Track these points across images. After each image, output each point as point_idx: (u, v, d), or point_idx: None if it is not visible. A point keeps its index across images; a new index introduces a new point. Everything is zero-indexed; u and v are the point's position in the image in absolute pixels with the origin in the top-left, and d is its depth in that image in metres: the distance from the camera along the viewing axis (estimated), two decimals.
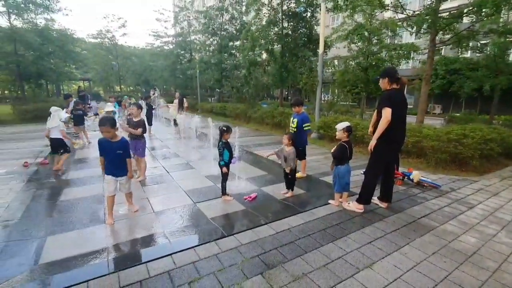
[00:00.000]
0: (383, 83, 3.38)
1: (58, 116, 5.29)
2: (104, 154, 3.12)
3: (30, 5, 15.39)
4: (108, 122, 3.02)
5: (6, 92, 28.77)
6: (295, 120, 4.72)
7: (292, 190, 4.10)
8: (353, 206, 3.54)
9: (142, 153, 4.69)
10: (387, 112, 3.17)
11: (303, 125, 4.68)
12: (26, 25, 15.98)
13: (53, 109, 5.39)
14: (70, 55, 19.57)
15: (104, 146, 3.09)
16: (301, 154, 4.79)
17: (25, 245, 2.73)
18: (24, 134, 9.80)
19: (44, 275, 2.28)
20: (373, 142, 3.33)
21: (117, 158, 3.12)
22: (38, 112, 12.91)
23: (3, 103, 24.89)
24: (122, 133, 3.93)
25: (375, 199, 3.74)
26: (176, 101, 10.64)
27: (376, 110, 3.50)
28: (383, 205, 3.69)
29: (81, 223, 3.19)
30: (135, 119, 4.56)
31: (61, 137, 5.26)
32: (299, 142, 4.67)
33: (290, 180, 4.05)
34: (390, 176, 3.68)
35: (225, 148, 3.72)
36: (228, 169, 3.79)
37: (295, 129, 4.70)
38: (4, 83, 21.11)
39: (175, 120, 10.73)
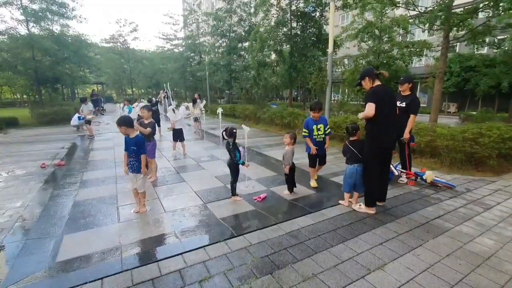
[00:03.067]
0: (366, 84, 3.33)
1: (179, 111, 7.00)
2: (127, 149, 3.39)
3: (47, 13, 16.00)
4: (120, 120, 3.32)
5: (24, 96, 29.97)
6: (321, 126, 4.27)
7: (290, 191, 4.12)
8: (364, 208, 3.49)
9: (152, 154, 4.78)
10: (370, 107, 3.09)
11: (326, 129, 4.36)
12: (43, 32, 16.60)
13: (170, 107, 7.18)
14: (84, 59, 20.17)
15: (126, 142, 3.40)
16: (323, 159, 4.54)
17: (43, 243, 2.84)
18: (41, 136, 10.18)
19: (61, 272, 2.36)
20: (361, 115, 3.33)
21: (132, 153, 3.36)
22: (55, 115, 13.40)
23: (22, 107, 25.96)
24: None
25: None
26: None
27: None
28: (380, 203, 3.65)
29: (95, 222, 3.29)
30: (146, 121, 4.66)
31: (182, 127, 6.82)
32: (323, 148, 4.39)
33: (286, 180, 4.12)
34: (384, 176, 3.59)
35: (236, 148, 3.79)
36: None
37: (324, 136, 4.33)
38: (23, 88, 21.98)
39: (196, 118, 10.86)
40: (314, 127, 4.28)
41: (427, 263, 2.44)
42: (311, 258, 2.51)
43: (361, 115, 3.35)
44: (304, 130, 4.34)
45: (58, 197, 4.14)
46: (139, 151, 3.37)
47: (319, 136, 4.31)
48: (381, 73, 3.31)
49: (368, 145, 3.34)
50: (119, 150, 7.32)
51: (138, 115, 7.97)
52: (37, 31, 16.41)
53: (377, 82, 3.28)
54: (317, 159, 4.44)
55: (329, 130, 4.38)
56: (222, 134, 3.88)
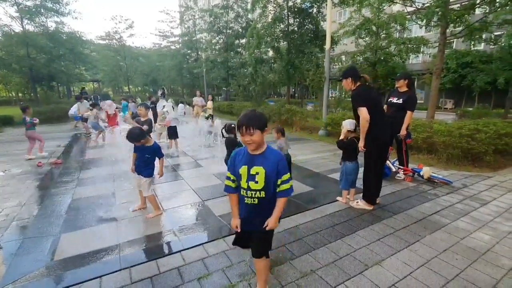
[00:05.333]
0: (347, 84, 3.28)
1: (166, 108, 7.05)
2: (137, 153, 3.34)
3: (41, 9, 15.79)
4: (129, 138, 3.18)
5: (20, 94, 29.67)
6: (260, 171, 1.76)
7: None
8: (362, 204, 3.50)
9: None
10: (363, 112, 3.08)
11: (279, 180, 1.78)
12: (37, 29, 16.40)
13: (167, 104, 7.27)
14: (79, 57, 20.01)
15: (138, 148, 3.30)
16: (259, 249, 1.92)
17: (41, 242, 2.82)
18: None
19: (59, 270, 2.35)
20: (361, 143, 3.25)
21: (144, 160, 3.29)
22: (51, 114, 13.27)
23: (17, 105, 25.67)
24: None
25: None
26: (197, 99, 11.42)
27: (352, 110, 3.38)
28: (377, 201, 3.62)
29: (93, 221, 3.27)
30: (142, 119, 4.64)
31: (176, 125, 6.84)
32: (255, 223, 1.83)
33: None
34: (381, 173, 3.56)
35: (238, 144, 3.84)
36: None
37: (262, 194, 1.79)
38: (18, 86, 21.79)
39: (211, 116, 11.07)
40: (243, 170, 1.79)
41: (424, 258, 2.46)
42: (309, 254, 2.52)
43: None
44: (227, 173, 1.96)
45: (55, 195, 4.11)
46: (153, 159, 3.31)
47: (249, 195, 1.80)
48: (363, 77, 3.29)
49: (370, 146, 3.27)
50: (116, 148, 7.28)
51: (133, 112, 7.93)
52: (31, 28, 16.23)
53: (358, 83, 3.26)
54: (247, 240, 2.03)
55: (289, 185, 1.79)
56: (222, 132, 3.92)
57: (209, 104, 11.09)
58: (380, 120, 3.23)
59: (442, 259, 2.46)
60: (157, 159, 3.40)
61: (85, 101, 9.94)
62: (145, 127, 4.53)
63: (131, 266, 2.37)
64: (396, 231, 2.94)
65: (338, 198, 3.76)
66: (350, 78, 3.24)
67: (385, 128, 3.36)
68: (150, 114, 6.53)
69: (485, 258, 2.49)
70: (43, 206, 3.72)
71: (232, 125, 3.89)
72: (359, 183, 3.65)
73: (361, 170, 3.56)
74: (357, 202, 3.54)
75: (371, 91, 3.34)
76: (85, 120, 9.67)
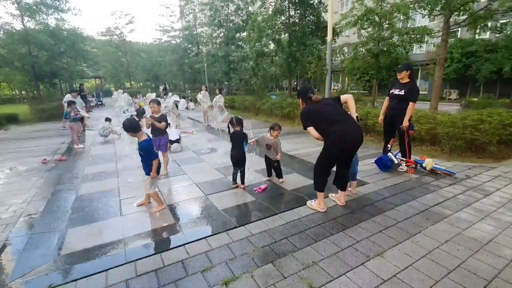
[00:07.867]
0: (300, 103, 3.34)
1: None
2: None
3: (41, 6, 15.75)
4: (125, 126, 3.19)
5: (23, 92, 29.84)
6: None
7: (281, 178, 4.27)
8: (315, 205, 3.30)
9: (165, 149, 4.77)
10: (312, 132, 3.14)
11: None
12: (38, 27, 16.38)
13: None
14: (81, 53, 19.94)
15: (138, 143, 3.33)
16: None
17: (48, 237, 2.88)
18: (42, 132, 10.19)
19: (67, 264, 2.41)
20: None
21: (141, 156, 3.31)
22: (54, 111, 13.36)
23: (21, 103, 25.87)
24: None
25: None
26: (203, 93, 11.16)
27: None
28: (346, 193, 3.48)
29: (98, 216, 3.32)
30: (156, 115, 4.62)
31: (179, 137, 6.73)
32: None
33: (276, 167, 4.26)
34: (346, 169, 3.33)
35: (246, 137, 4.02)
36: None
37: None
38: (21, 83, 21.85)
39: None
40: None
41: (426, 249, 2.48)
42: (311, 246, 2.55)
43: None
44: None
45: (60, 192, 4.18)
46: (145, 156, 3.25)
47: None
48: (311, 97, 3.19)
49: (328, 150, 3.10)
50: (119, 144, 7.34)
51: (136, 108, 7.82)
52: (32, 25, 16.22)
53: (307, 102, 3.22)
54: None
55: None
56: (228, 126, 3.95)
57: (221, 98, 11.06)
58: (340, 126, 2.99)
59: (443, 249, 2.48)
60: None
61: (80, 100, 10.00)
62: (163, 124, 4.55)
63: (136, 260, 2.41)
64: (398, 223, 2.95)
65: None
66: (300, 99, 3.32)
67: (347, 132, 2.99)
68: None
69: (487, 248, 2.49)
70: (49, 202, 3.78)
71: (239, 118, 3.93)
72: (359, 175, 3.62)
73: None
74: (311, 203, 3.36)
75: (318, 105, 3.15)
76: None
